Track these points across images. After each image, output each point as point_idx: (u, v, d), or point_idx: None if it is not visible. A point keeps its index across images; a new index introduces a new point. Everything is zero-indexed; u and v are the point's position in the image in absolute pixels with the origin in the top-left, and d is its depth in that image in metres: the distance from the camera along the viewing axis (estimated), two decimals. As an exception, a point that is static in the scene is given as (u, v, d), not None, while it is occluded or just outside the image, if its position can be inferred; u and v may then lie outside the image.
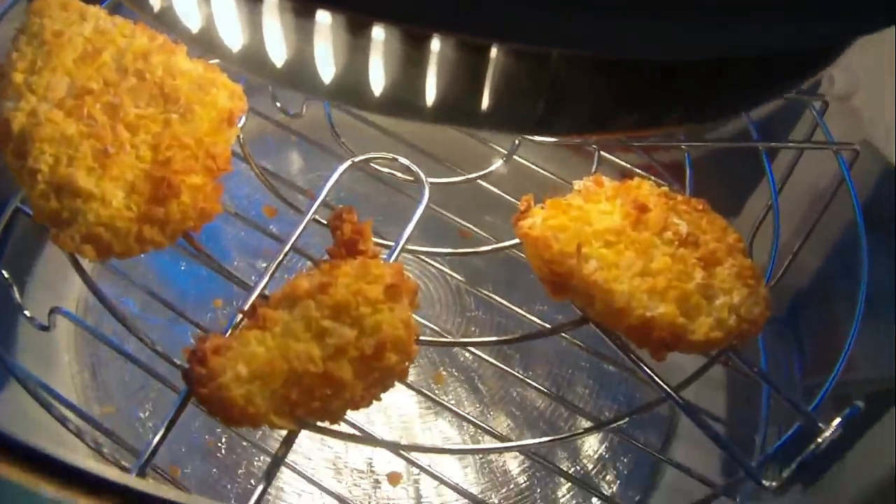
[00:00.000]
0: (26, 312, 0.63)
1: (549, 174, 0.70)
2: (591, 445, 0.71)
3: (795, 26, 0.34)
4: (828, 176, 0.75)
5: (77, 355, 0.72)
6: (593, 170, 0.67)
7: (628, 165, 0.73)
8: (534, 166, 0.70)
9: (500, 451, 0.66)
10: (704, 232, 0.56)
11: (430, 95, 0.36)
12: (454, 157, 0.70)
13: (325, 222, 0.57)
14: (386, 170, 0.62)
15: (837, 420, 0.51)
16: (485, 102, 0.36)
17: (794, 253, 0.70)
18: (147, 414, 0.70)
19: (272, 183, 0.62)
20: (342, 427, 0.51)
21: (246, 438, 0.66)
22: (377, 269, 0.51)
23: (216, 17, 0.38)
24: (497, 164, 0.65)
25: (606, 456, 0.71)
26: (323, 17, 0.35)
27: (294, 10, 0.35)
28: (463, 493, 0.60)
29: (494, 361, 0.64)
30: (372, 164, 0.61)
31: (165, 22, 0.40)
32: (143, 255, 0.54)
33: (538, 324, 0.62)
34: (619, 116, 0.40)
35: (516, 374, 0.65)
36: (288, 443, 0.49)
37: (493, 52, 0.34)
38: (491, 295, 0.63)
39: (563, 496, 0.69)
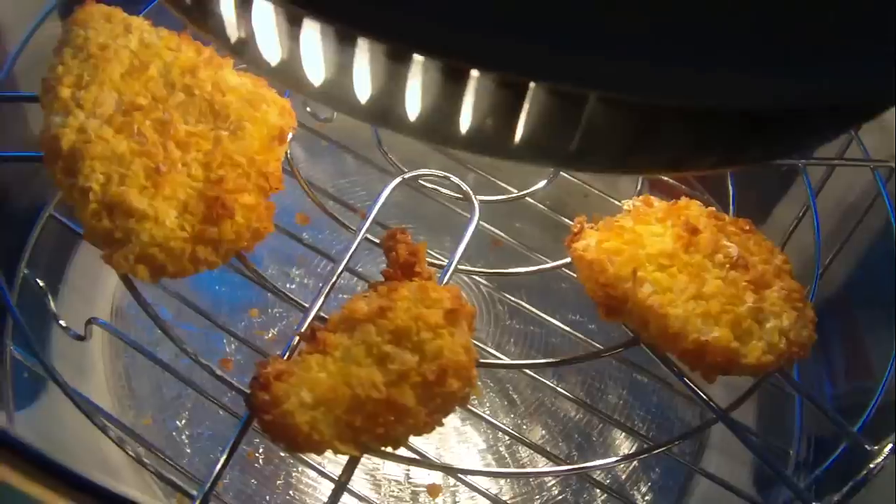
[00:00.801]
0: (62, 322, 0.63)
1: (591, 188, 0.70)
2: (623, 452, 0.72)
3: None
4: (857, 189, 0.75)
5: (110, 364, 0.71)
6: (638, 187, 0.67)
7: (665, 178, 0.73)
8: (574, 179, 0.70)
9: (552, 474, 0.66)
10: (753, 254, 0.56)
11: (465, 125, 0.36)
12: (492, 167, 0.70)
13: (377, 240, 0.57)
14: (431, 185, 0.62)
15: (889, 446, 0.51)
16: (518, 136, 0.36)
17: (826, 266, 0.71)
18: (183, 423, 0.70)
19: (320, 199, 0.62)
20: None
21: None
22: (435, 293, 0.51)
23: (301, 52, 0.37)
24: (544, 182, 0.65)
25: (639, 466, 0.71)
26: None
27: (381, 52, 0.35)
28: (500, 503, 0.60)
29: (530, 373, 0.64)
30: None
31: (241, 53, 0.40)
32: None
33: (576, 336, 0.62)
34: (695, 157, 0.40)
35: (550, 384, 0.65)
36: (350, 468, 0.49)
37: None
38: (531, 308, 0.63)
39: (597, 507, 0.69)
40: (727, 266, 0.55)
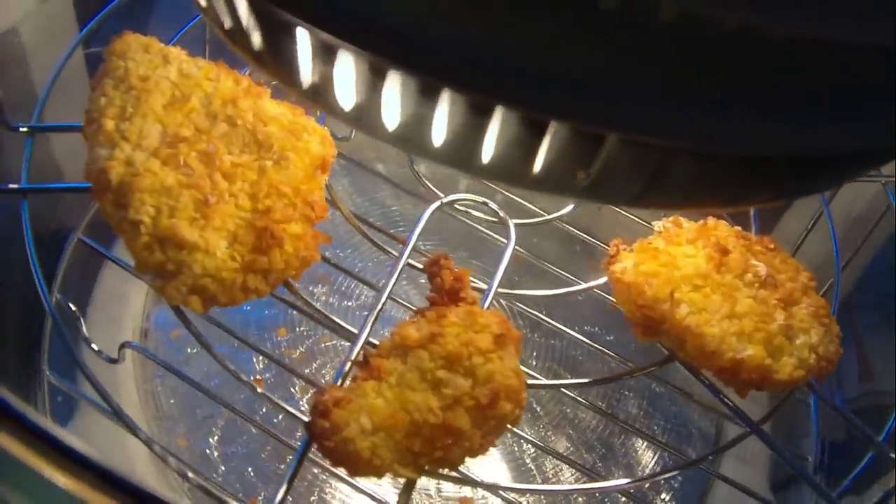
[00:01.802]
0: (94, 346, 0.64)
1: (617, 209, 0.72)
2: (645, 462, 0.74)
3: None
4: (864, 200, 0.78)
5: (141, 385, 0.72)
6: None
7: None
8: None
9: (592, 490, 0.68)
10: (779, 272, 0.59)
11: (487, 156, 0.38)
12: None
13: (419, 265, 0.59)
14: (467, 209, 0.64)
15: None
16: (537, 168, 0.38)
17: (836, 275, 0.73)
18: (216, 439, 0.71)
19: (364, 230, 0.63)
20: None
21: (318, 464, 0.68)
22: (483, 319, 0.53)
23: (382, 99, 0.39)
24: (571, 206, 0.66)
25: (659, 470, 0.74)
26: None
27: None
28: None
29: (552, 381, 0.66)
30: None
31: (313, 97, 0.41)
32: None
33: (597, 349, 0.64)
34: (706, 196, 0.42)
35: (573, 395, 0.67)
36: (408, 491, 0.51)
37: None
38: (552, 322, 0.64)
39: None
40: (756, 285, 0.57)
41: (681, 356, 0.56)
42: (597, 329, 0.78)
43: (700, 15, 0.35)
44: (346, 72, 0.38)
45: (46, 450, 0.32)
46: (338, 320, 0.57)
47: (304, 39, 0.38)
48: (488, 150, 0.38)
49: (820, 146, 0.38)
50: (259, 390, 0.56)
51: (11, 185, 0.57)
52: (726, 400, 0.56)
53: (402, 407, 0.50)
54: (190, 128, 0.57)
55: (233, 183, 0.56)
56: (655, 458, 0.74)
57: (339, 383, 0.53)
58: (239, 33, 0.42)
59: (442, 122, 0.38)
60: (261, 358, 0.74)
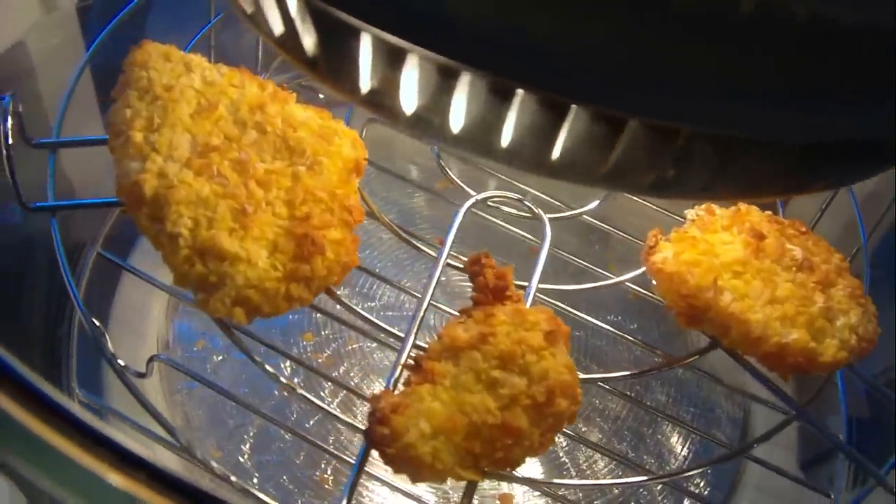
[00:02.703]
0: (120, 362, 0.63)
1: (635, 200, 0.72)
2: (675, 447, 0.75)
3: None
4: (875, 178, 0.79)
5: (168, 397, 0.71)
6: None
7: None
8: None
9: (638, 484, 0.68)
10: (813, 254, 0.59)
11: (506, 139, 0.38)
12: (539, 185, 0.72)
13: (459, 265, 0.58)
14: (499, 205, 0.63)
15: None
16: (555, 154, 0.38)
17: (851, 257, 0.74)
18: (248, 447, 0.70)
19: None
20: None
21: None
22: (532, 316, 0.53)
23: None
24: (602, 198, 0.66)
25: (691, 457, 0.74)
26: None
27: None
28: (568, 501, 0.62)
29: (583, 375, 0.66)
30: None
31: (371, 103, 0.41)
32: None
33: (623, 338, 0.64)
34: (769, 185, 0.42)
35: (602, 385, 0.67)
36: (470, 494, 0.50)
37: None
38: (575, 312, 0.64)
39: (657, 500, 0.72)
40: (794, 269, 0.58)
41: (725, 343, 0.56)
42: (619, 318, 0.79)
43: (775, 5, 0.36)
44: (415, 76, 0.38)
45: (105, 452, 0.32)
46: (382, 324, 0.56)
47: (369, 45, 0.38)
48: (560, 147, 0.38)
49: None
50: (328, 407, 0.55)
51: (40, 203, 0.56)
52: (774, 385, 0.57)
53: (459, 409, 0.49)
54: (219, 136, 0.57)
55: (268, 191, 0.55)
56: (686, 444, 0.75)
57: (390, 388, 0.52)
58: (291, 40, 0.41)
59: (511, 121, 0.38)
60: (287, 364, 0.73)
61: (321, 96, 0.78)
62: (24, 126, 0.57)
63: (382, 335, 0.62)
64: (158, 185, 0.53)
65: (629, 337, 0.63)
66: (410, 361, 0.53)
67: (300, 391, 0.56)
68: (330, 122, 0.59)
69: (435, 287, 0.57)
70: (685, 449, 0.75)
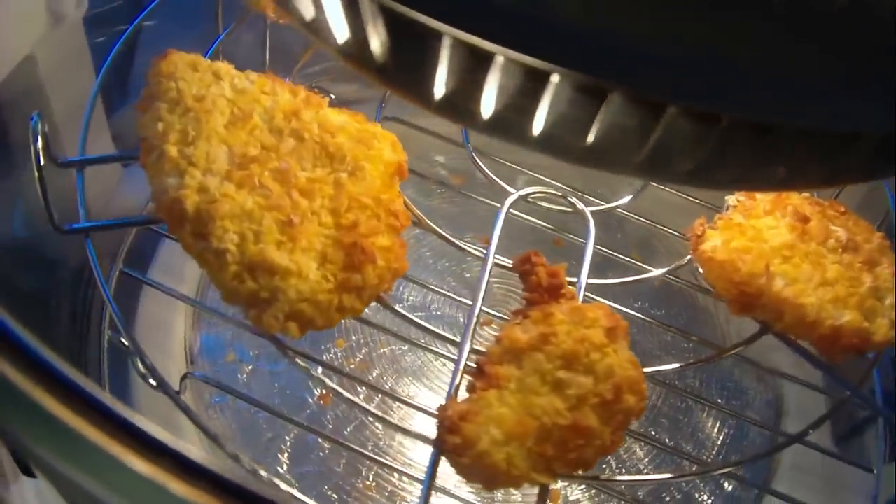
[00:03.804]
0: (152, 381, 0.61)
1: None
2: (711, 432, 0.75)
3: None
4: None
5: (201, 413, 0.70)
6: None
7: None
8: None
9: (694, 475, 0.67)
10: (855, 234, 0.59)
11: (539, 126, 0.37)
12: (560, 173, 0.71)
13: (507, 264, 0.57)
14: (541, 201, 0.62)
15: None
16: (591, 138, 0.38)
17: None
18: (286, 457, 0.69)
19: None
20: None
21: (395, 470, 0.67)
22: (591, 313, 0.52)
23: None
24: (630, 196, 0.66)
25: (728, 441, 0.74)
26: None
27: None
28: (614, 492, 0.62)
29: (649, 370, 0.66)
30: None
31: (445, 109, 0.40)
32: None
33: (654, 324, 0.63)
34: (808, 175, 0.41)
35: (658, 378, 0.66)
36: (543, 497, 0.50)
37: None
38: (606, 301, 0.63)
39: (699, 484, 0.72)
40: (840, 250, 0.58)
41: (778, 328, 0.56)
42: (646, 305, 0.78)
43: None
44: (500, 79, 0.37)
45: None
46: (437, 330, 0.55)
47: (450, 48, 0.37)
48: (650, 145, 0.37)
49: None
50: (390, 418, 0.54)
51: (74, 225, 0.54)
52: (826, 367, 0.57)
53: (528, 413, 0.49)
54: (257, 146, 0.55)
55: (312, 200, 0.54)
56: (721, 428, 0.75)
57: (452, 394, 0.51)
58: (358, 46, 0.40)
59: (601, 121, 0.37)
60: (319, 370, 0.72)
61: (332, 96, 0.76)
62: (49, 145, 0.55)
63: (424, 340, 0.62)
64: (200, 201, 0.52)
65: (674, 329, 0.63)
66: (471, 366, 0.52)
67: (373, 409, 0.55)
68: (367, 125, 0.58)
69: (484, 289, 0.56)
70: (719, 433, 0.75)
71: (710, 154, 0.39)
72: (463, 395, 0.51)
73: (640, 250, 0.80)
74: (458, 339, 0.54)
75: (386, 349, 0.74)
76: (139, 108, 0.57)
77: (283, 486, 0.58)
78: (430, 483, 0.49)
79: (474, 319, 0.54)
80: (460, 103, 0.39)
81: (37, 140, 0.52)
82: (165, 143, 0.54)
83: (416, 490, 0.69)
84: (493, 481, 0.48)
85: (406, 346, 0.74)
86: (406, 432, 0.54)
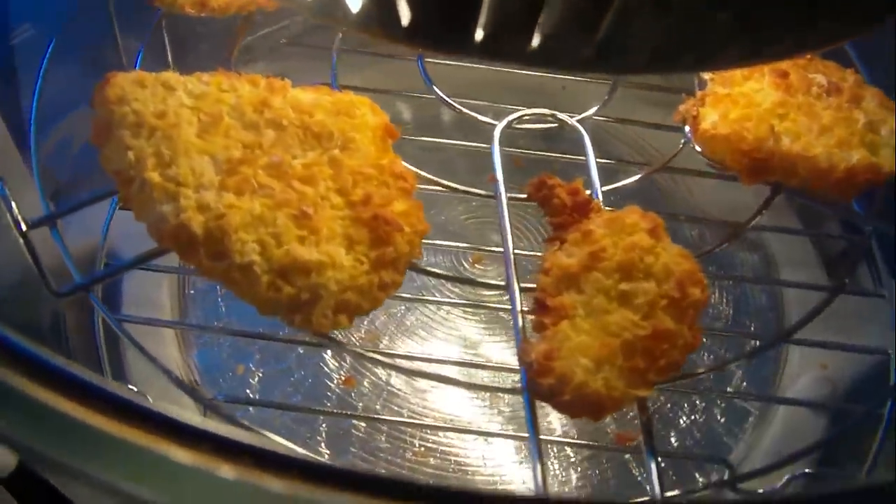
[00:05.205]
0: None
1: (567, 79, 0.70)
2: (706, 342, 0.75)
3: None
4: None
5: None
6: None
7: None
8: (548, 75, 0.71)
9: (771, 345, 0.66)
10: (831, 77, 0.60)
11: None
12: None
13: (522, 196, 0.56)
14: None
15: None
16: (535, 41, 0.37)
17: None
18: (323, 446, 0.66)
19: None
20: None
21: (439, 428, 0.66)
22: (629, 219, 0.52)
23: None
24: (596, 108, 0.65)
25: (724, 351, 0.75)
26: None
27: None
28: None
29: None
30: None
31: (493, 50, 0.37)
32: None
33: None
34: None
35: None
36: (645, 410, 0.49)
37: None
38: None
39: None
40: (824, 95, 0.59)
41: (792, 184, 0.57)
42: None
43: None
44: None
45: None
46: (482, 279, 0.53)
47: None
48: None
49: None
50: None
51: (68, 287, 0.49)
52: (843, 206, 0.58)
53: (607, 333, 0.48)
54: (238, 147, 0.51)
55: (315, 186, 0.51)
56: (734, 299, 0.76)
57: (523, 339, 0.50)
58: (381, 12, 0.37)
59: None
60: (329, 354, 0.70)
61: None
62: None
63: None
64: (206, 220, 0.48)
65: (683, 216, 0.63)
66: (533, 305, 0.50)
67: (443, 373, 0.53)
68: (339, 95, 0.55)
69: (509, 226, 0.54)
70: (731, 307, 0.76)
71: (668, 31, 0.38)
72: (540, 335, 0.50)
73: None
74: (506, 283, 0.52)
75: (383, 315, 0.72)
76: (94, 141, 0.52)
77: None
78: (535, 433, 0.47)
79: (512, 259, 0.53)
80: (502, 41, 0.37)
81: (10, 207, 0.46)
82: (144, 171, 0.49)
83: (465, 443, 0.67)
84: (599, 410, 0.47)
85: (403, 306, 0.72)
86: (495, 389, 0.52)
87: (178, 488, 0.30)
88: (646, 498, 0.55)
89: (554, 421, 0.69)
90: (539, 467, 0.46)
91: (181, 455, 0.29)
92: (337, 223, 0.50)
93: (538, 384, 0.47)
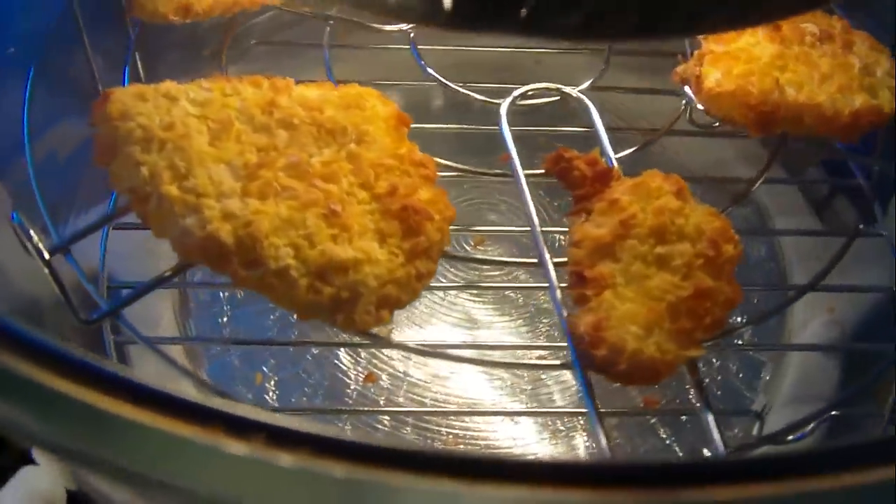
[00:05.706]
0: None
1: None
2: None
3: None
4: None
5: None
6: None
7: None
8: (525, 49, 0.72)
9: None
10: (821, 25, 0.61)
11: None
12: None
13: (539, 172, 0.56)
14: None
15: None
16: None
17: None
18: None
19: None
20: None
21: (464, 413, 0.66)
22: (654, 183, 0.52)
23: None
24: (590, 81, 0.64)
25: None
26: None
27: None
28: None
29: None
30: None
31: (537, 25, 0.37)
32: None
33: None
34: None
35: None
36: (695, 369, 0.49)
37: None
38: None
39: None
40: (818, 43, 0.59)
41: (799, 132, 0.58)
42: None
43: None
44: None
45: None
46: (511, 259, 0.53)
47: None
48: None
49: None
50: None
51: (97, 314, 0.48)
52: (850, 148, 0.59)
53: (650, 298, 0.48)
54: (253, 151, 0.50)
55: (338, 182, 0.50)
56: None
57: (568, 315, 0.49)
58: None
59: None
60: (343, 351, 0.69)
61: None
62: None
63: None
64: (234, 228, 0.46)
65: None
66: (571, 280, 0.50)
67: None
68: (344, 88, 0.54)
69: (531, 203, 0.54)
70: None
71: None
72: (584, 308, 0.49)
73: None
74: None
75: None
76: (99, 160, 0.50)
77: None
78: (595, 408, 0.47)
79: (540, 237, 0.52)
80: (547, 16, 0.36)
81: (30, 236, 0.44)
82: (161, 186, 0.47)
83: (491, 426, 0.67)
84: (655, 376, 0.47)
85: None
86: (545, 367, 0.52)
87: (237, 479, 0.29)
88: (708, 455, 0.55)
89: (555, 393, 0.70)
90: (603, 438, 0.46)
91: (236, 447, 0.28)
92: (366, 218, 0.49)
93: (592, 356, 0.46)
